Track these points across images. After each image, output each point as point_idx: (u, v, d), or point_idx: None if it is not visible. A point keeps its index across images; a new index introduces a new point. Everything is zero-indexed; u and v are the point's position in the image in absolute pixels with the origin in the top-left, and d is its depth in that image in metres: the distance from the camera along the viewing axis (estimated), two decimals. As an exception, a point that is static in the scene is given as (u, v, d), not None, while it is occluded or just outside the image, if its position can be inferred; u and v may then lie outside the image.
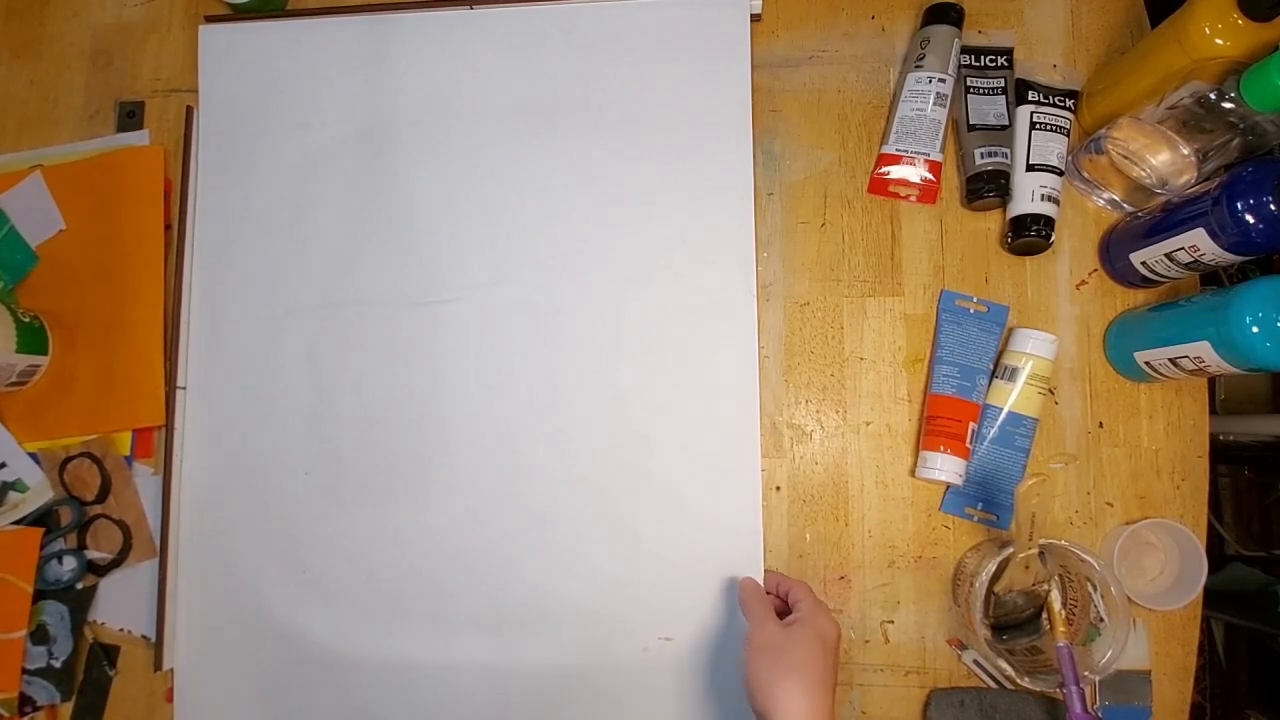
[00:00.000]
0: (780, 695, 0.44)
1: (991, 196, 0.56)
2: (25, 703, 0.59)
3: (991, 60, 0.58)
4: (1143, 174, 0.52)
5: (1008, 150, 0.56)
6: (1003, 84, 0.58)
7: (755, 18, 0.61)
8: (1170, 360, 0.51)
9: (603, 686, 0.56)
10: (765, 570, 0.55)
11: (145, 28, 0.67)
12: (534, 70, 0.61)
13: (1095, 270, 0.58)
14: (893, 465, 0.58)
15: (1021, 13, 0.60)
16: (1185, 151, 0.49)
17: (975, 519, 0.56)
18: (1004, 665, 0.49)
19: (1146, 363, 0.53)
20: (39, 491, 0.61)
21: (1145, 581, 0.56)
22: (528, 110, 0.61)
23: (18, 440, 0.61)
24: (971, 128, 0.57)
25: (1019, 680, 0.49)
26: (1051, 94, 0.57)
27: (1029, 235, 0.55)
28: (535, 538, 0.57)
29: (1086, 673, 0.48)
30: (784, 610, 0.51)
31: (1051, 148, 0.56)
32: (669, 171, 0.59)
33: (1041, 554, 0.51)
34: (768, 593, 0.53)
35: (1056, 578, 0.51)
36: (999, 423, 0.55)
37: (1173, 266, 0.52)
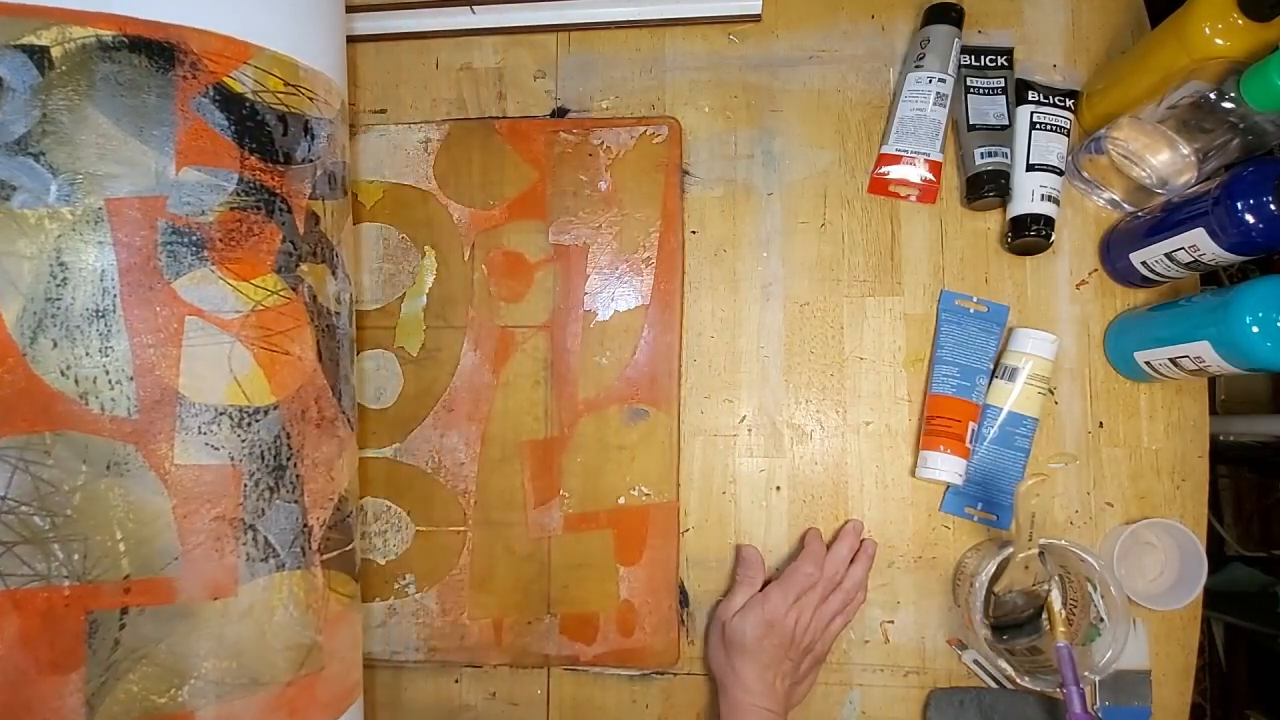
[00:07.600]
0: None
1: (991, 196, 0.56)
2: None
3: (991, 60, 0.58)
4: (1143, 174, 0.52)
5: (1008, 150, 0.56)
6: (1003, 84, 0.58)
7: (755, 18, 0.61)
8: (1170, 360, 0.51)
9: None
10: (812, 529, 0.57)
11: (145, 28, 0.67)
12: None
13: (1095, 270, 0.58)
14: (893, 465, 0.58)
15: (1021, 13, 0.60)
16: (1185, 151, 0.49)
17: (975, 519, 0.56)
18: (1004, 665, 0.49)
19: (1146, 363, 0.53)
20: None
21: (1145, 581, 0.56)
22: None
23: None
24: (971, 128, 0.57)
25: (1019, 680, 0.49)
26: (1051, 94, 0.57)
27: (1029, 235, 0.55)
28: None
29: (1086, 673, 0.48)
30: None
31: (1051, 148, 0.56)
32: None
33: (1041, 554, 0.51)
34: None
35: (1056, 578, 0.51)
36: (999, 423, 0.55)
37: (1173, 266, 0.52)
